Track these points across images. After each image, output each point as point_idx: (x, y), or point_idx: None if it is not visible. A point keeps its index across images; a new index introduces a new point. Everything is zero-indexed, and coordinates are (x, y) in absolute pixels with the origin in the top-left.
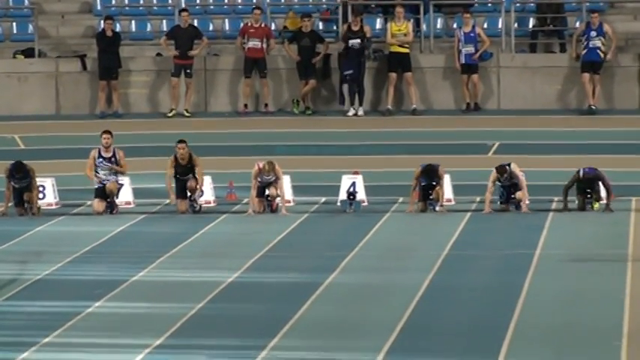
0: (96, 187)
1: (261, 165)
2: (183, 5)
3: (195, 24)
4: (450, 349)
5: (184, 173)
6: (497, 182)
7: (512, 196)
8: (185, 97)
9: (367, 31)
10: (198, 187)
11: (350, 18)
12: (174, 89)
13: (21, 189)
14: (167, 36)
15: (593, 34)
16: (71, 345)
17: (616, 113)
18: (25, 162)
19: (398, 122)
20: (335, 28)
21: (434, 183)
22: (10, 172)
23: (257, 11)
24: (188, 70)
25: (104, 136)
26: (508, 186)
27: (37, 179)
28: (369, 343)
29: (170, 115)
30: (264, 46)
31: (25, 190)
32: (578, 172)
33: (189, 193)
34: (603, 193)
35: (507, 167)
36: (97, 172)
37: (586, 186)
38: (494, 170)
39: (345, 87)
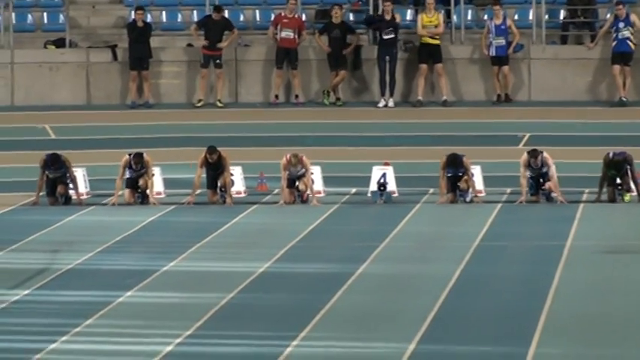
0: (127, 176)
1: (288, 156)
2: None
3: (227, 15)
4: (481, 338)
5: (215, 169)
6: (528, 167)
7: (542, 187)
8: (217, 88)
9: (397, 19)
10: (227, 185)
11: (380, 8)
12: (202, 80)
13: (54, 179)
14: (197, 24)
15: (622, 25)
16: (102, 334)
17: None
18: (59, 153)
19: (428, 113)
20: (364, 18)
21: (460, 173)
22: (46, 163)
23: (292, 1)
24: (218, 61)
25: (134, 160)
26: (537, 177)
27: None
28: (400, 333)
29: (199, 105)
30: (296, 36)
31: (59, 180)
32: (608, 154)
33: (219, 185)
34: (632, 184)
35: (540, 153)
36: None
37: (616, 171)
38: (526, 153)
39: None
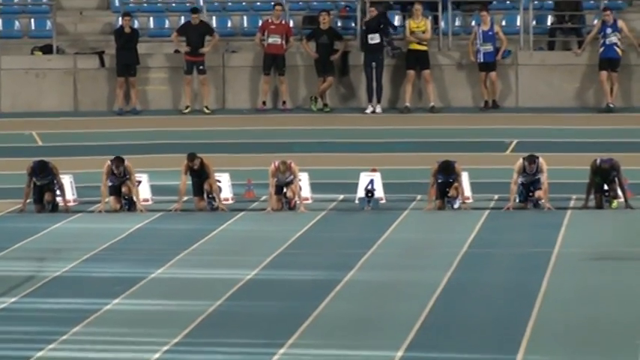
0: (110, 184)
1: (276, 163)
2: (201, 2)
3: (214, 21)
4: (468, 346)
5: (199, 176)
6: (521, 174)
7: (531, 194)
8: (202, 94)
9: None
10: (214, 191)
11: (367, 13)
12: (187, 86)
13: (42, 186)
14: (178, 32)
15: (609, 30)
16: (89, 342)
17: (634, 111)
18: (47, 160)
19: (416, 120)
20: (353, 25)
21: (451, 180)
22: (33, 170)
23: (278, 7)
24: (201, 67)
25: (115, 164)
26: (528, 184)
27: None
28: (387, 341)
29: (186, 111)
30: (284, 42)
31: (46, 188)
32: (595, 161)
33: (206, 189)
34: (619, 190)
35: (537, 159)
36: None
37: (603, 178)
38: (522, 159)
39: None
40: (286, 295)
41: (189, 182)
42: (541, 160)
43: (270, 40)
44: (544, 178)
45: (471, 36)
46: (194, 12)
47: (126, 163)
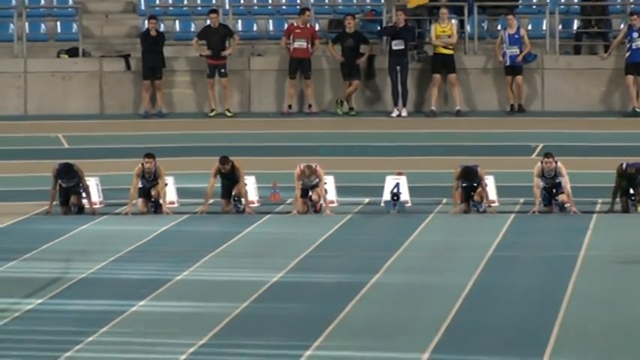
0: (140, 186)
1: (302, 167)
2: (227, 6)
3: (239, 24)
4: (494, 349)
5: (229, 179)
6: (541, 177)
7: (555, 197)
8: (224, 98)
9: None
10: (242, 195)
11: (394, 17)
12: (211, 90)
13: (67, 189)
14: (198, 37)
15: (635, 35)
16: (115, 344)
17: None
18: (72, 163)
19: (442, 123)
20: (379, 28)
21: (475, 184)
22: (59, 173)
23: (307, 12)
24: (222, 70)
25: (146, 160)
26: (550, 187)
27: None
28: (413, 343)
29: (211, 115)
30: (309, 46)
31: (72, 190)
32: (622, 165)
33: (233, 194)
34: None
35: (552, 156)
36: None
37: (629, 182)
38: (539, 163)
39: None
40: (312, 297)
41: (218, 185)
42: (560, 163)
43: (296, 45)
44: (565, 181)
45: (497, 40)
46: (212, 12)
47: (157, 163)
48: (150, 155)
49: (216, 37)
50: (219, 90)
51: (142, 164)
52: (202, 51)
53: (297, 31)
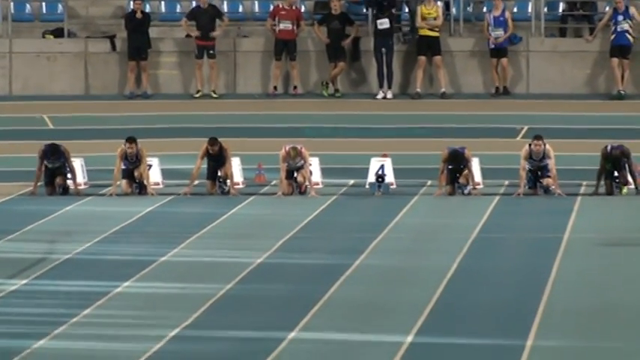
0: (124, 167)
1: (287, 148)
2: None
3: (225, 6)
4: (478, 330)
5: (216, 160)
6: (528, 160)
7: (540, 180)
8: (211, 78)
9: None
10: (229, 177)
11: None
12: (198, 70)
13: (53, 169)
14: (187, 17)
15: (620, 17)
16: (99, 325)
17: None
18: (58, 143)
19: (427, 105)
20: (364, 10)
21: (462, 166)
22: (45, 154)
23: None
24: (211, 51)
25: (128, 145)
26: (536, 170)
27: None
28: (397, 325)
29: (197, 96)
30: (295, 28)
31: (57, 171)
32: (606, 147)
33: (219, 175)
34: (629, 177)
35: (542, 138)
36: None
37: (613, 165)
38: (527, 145)
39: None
40: (297, 278)
41: (204, 166)
42: (548, 146)
43: (281, 26)
44: (552, 164)
45: (484, 22)
46: None
47: (139, 146)
48: (131, 140)
49: (206, 18)
50: (207, 71)
51: (124, 144)
52: (191, 31)
53: (283, 12)
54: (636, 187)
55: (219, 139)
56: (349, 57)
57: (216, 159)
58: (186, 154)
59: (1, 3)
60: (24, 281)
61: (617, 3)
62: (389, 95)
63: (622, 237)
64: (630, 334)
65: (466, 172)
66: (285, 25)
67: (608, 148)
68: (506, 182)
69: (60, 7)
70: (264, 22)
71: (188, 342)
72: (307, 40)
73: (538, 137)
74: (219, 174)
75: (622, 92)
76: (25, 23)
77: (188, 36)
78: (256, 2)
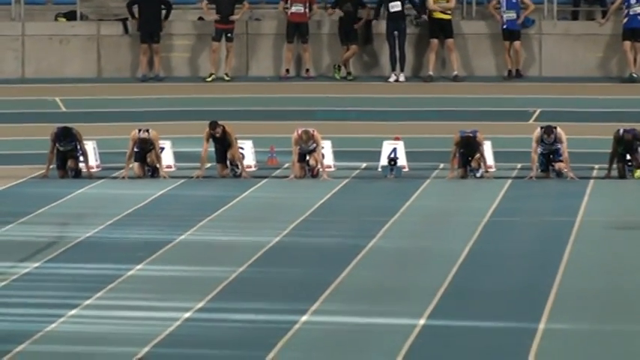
0: (136, 150)
1: (299, 132)
2: None
3: None
4: (491, 314)
5: (222, 143)
6: (540, 143)
7: (552, 164)
8: (225, 62)
9: None
10: (237, 159)
11: None
12: (214, 53)
13: (65, 152)
14: (208, 0)
15: (633, 1)
16: (112, 307)
17: None
18: (71, 126)
19: (439, 88)
20: None
21: (474, 150)
22: (57, 136)
23: None
24: (229, 34)
25: (141, 135)
26: (548, 153)
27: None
28: (410, 308)
29: (209, 79)
30: (307, 10)
31: (69, 154)
32: (618, 131)
33: (229, 158)
34: None
35: (554, 129)
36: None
37: (625, 148)
38: (539, 129)
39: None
40: (309, 262)
41: (212, 149)
42: (559, 130)
43: (294, 9)
44: (564, 148)
45: (492, 2)
46: None
47: (151, 132)
48: (145, 134)
49: (226, 1)
50: (222, 54)
51: (138, 130)
52: (211, 15)
53: None
54: None
55: (226, 123)
56: (361, 40)
57: (222, 142)
58: (198, 137)
59: None
60: (36, 264)
61: None
62: (401, 78)
63: (634, 220)
64: None
65: (478, 155)
66: (298, 8)
67: (621, 131)
68: (519, 165)
69: None
70: (276, 5)
71: (200, 325)
72: (319, 23)
73: (549, 132)
74: (228, 157)
75: (634, 75)
76: (38, 6)
77: (200, 19)
78: None
